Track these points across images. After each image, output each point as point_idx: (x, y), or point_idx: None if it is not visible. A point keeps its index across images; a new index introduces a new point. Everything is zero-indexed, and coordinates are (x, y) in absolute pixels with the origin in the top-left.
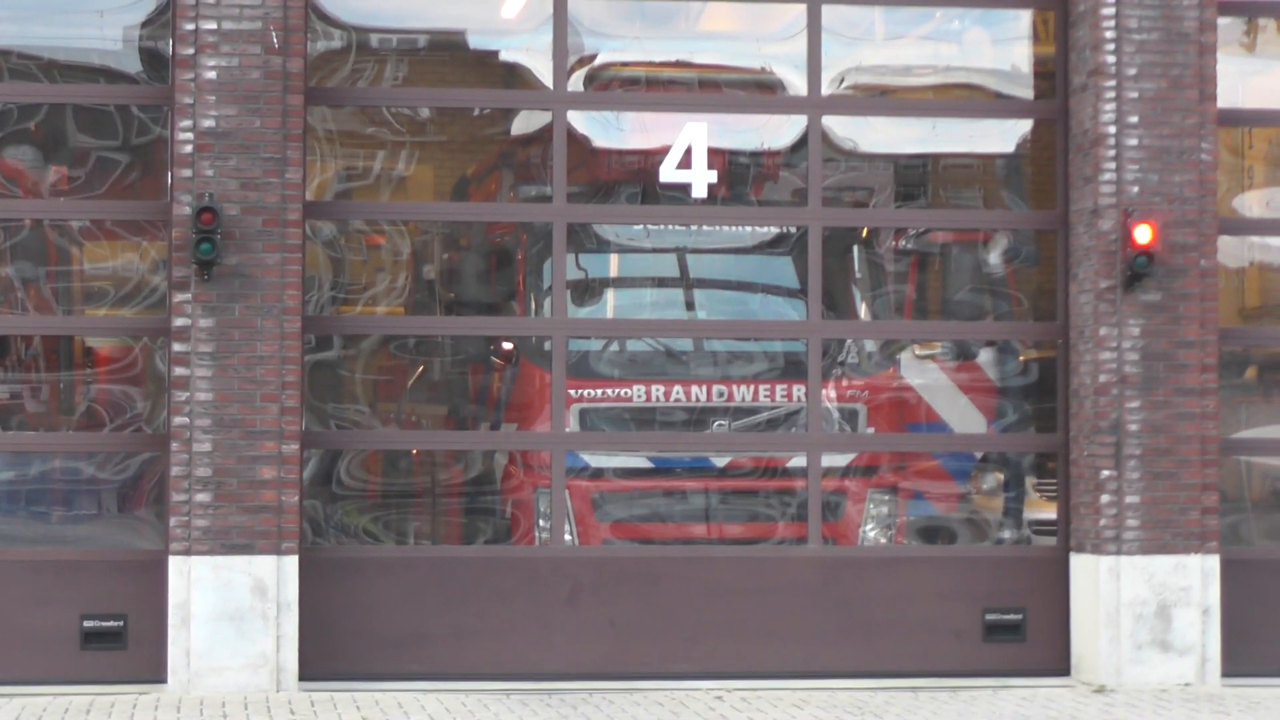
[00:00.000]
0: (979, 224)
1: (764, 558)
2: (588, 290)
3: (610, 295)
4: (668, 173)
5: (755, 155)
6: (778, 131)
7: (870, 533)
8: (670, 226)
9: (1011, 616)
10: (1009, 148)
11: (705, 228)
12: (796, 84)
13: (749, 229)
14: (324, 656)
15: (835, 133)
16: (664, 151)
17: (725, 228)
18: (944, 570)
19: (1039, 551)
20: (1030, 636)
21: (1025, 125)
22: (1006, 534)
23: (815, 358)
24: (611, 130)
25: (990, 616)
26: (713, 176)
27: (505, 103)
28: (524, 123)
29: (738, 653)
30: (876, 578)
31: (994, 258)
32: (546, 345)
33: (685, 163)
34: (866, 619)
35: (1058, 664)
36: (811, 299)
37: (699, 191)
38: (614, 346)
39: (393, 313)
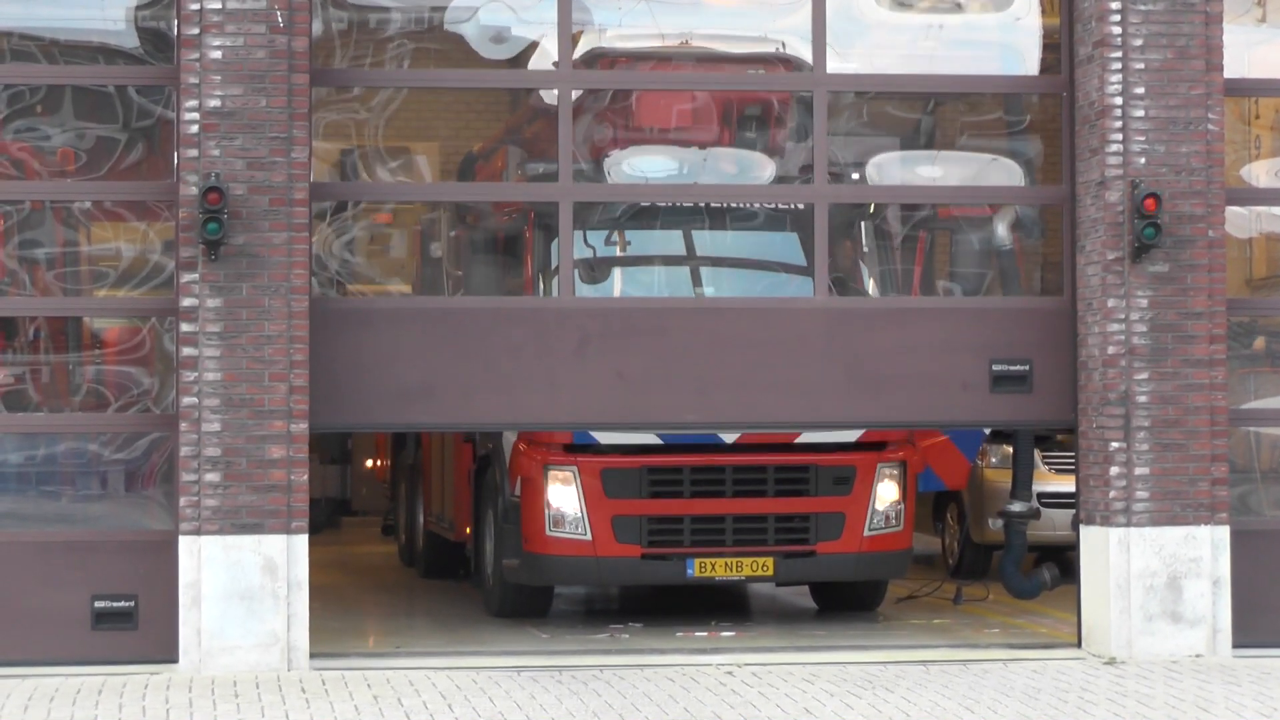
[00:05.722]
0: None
1: (771, 309)
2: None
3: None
4: None
5: None
6: None
7: (880, 507)
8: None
9: (1018, 368)
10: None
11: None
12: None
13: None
14: (332, 409)
15: None
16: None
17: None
18: (951, 322)
19: (1045, 303)
20: (1036, 387)
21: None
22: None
23: (820, 117)
24: None
25: (997, 368)
26: None
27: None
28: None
29: (745, 404)
30: (883, 329)
31: (1001, 230)
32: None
33: None
34: (874, 370)
35: (1063, 414)
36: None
37: None
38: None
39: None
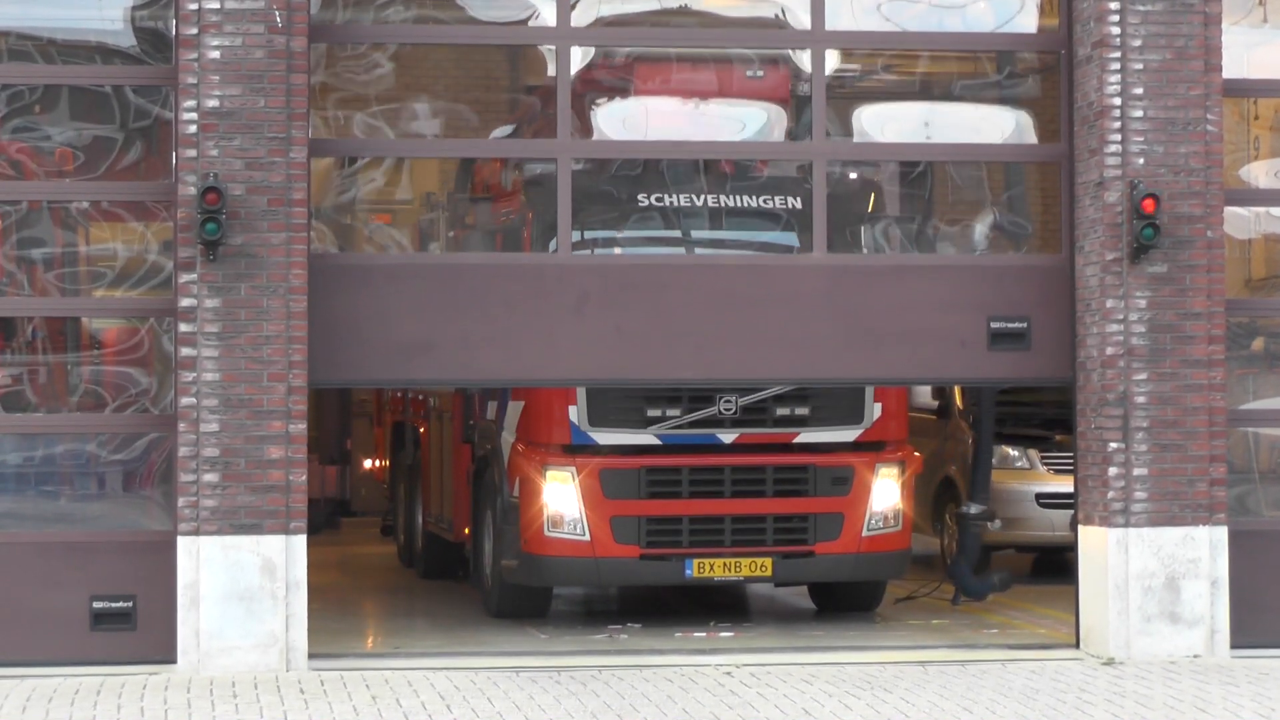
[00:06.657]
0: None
1: (770, 266)
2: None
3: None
4: None
5: None
6: None
7: (878, 508)
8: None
9: (1016, 325)
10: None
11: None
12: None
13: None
14: (331, 364)
15: None
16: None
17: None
18: (949, 280)
19: (1043, 261)
20: (1034, 345)
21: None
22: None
23: (819, 74)
24: None
25: (995, 325)
26: None
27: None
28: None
29: (743, 360)
30: (882, 287)
31: (980, 234)
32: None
33: None
34: (872, 327)
35: (1061, 371)
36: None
37: None
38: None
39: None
